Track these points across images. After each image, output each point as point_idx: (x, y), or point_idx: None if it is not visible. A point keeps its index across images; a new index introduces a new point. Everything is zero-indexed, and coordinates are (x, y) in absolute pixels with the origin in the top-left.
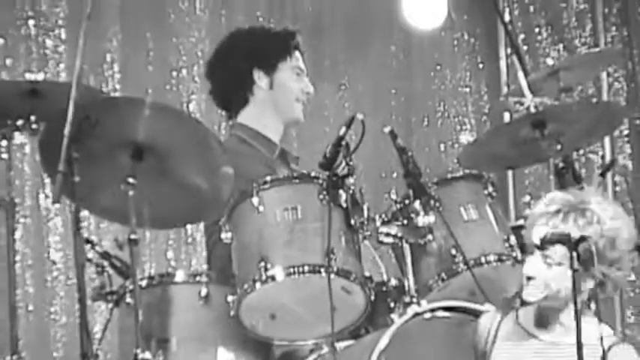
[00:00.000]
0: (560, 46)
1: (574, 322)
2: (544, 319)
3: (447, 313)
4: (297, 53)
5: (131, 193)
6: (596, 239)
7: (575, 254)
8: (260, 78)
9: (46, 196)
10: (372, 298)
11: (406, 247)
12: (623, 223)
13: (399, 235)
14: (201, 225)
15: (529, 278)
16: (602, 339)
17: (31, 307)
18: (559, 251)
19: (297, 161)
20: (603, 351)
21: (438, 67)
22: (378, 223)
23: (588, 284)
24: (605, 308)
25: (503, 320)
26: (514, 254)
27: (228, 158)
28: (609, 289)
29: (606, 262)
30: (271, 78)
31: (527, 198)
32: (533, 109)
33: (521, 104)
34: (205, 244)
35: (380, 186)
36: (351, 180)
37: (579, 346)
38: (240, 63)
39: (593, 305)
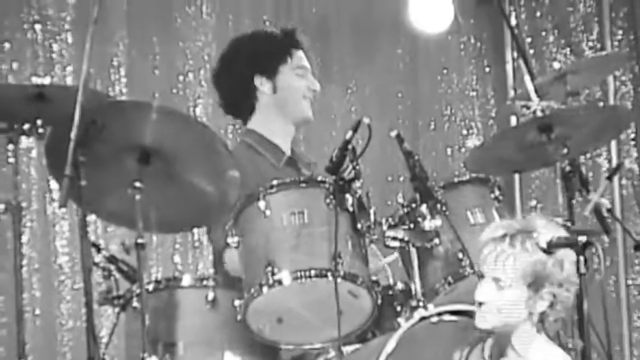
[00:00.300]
0: (567, 49)
1: (525, 346)
2: (500, 346)
3: (453, 317)
4: (298, 52)
5: (138, 197)
6: (544, 260)
7: (582, 259)
8: (262, 84)
9: (53, 200)
10: (379, 301)
11: (413, 250)
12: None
13: (406, 239)
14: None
15: (480, 304)
16: None
17: (37, 312)
18: (509, 273)
19: (310, 167)
20: None
21: (445, 71)
22: (385, 227)
23: (540, 306)
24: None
25: (472, 353)
26: None
27: (234, 163)
28: (559, 309)
29: (556, 282)
30: (274, 82)
31: (533, 202)
32: (539, 113)
33: (528, 108)
34: (212, 248)
35: (386, 190)
36: (357, 184)
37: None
38: (241, 71)
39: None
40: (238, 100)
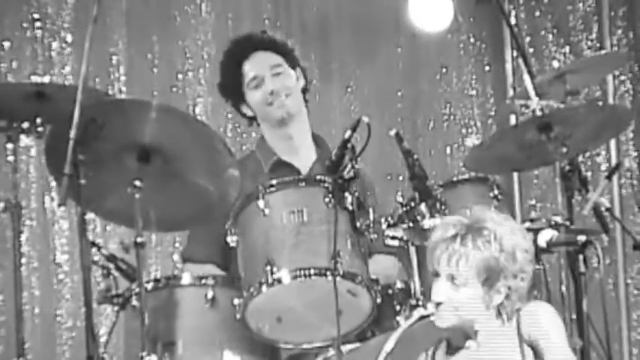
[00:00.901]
0: (567, 48)
1: (486, 333)
2: (460, 338)
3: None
4: (247, 64)
5: (137, 195)
6: (496, 255)
7: (581, 257)
8: (245, 108)
9: (52, 199)
10: (378, 300)
11: (412, 249)
12: (521, 235)
13: (405, 237)
14: None
15: (438, 304)
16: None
17: (37, 310)
18: (463, 272)
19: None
20: None
21: (444, 70)
22: (384, 226)
23: (496, 299)
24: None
25: (437, 352)
26: None
27: (234, 161)
28: (514, 300)
29: (510, 275)
30: (246, 102)
31: (532, 201)
32: (539, 112)
33: (527, 107)
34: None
35: (386, 189)
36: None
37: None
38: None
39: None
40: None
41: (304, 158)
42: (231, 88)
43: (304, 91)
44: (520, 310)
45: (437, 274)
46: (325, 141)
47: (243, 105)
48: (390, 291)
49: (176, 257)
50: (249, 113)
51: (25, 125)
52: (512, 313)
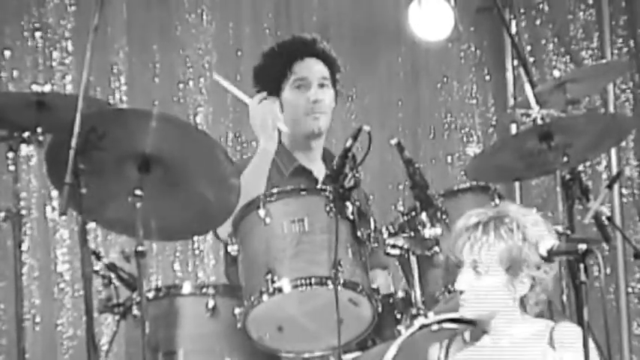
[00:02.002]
0: (567, 58)
1: (508, 324)
2: (480, 329)
3: (453, 325)
4: (300, 63)
5: (138, 205)
6: (519, 245)
7: (582, 266)
8: (273, 102)
9: (53, 208)
10: (379, 309)
11: (413, 258)
12: (545, 228)
13: (406, 246)
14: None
15: (461, 292)
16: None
17: (38, 319)
18: (486, 260)
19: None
20: None
21: (445, 79)
22: (385, 235)
23: (520, 290)
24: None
25: (452, 344)
26: None
27: (234, 170)
28: (538, 291)
29: (533, 265)
30: (280, 100)
31: (533, 210)
32: (539, 121)
33: (528, 116)
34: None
35: (387, 198)
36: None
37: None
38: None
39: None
40: None
41: (317, 169)
42: (272, 79)
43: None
44: (556, 325)
45: (460, 264)
46: (331, 153)
47: (275, 99)
48: (391, 300)
49: (177, 266)
50: (275, 108)
51: (26, 134)
52: (538, 305)
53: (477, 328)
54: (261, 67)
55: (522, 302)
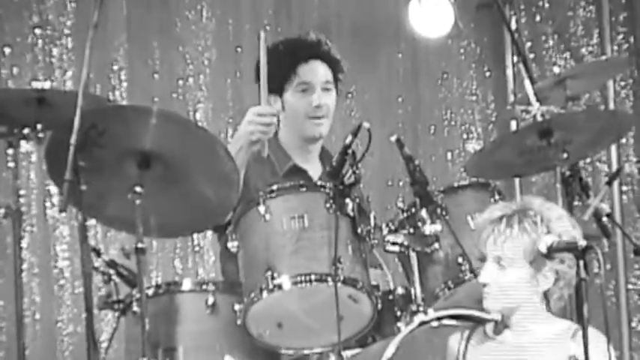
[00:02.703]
0: (567, 54)
1: (531, 320)
2: (503, 323)
3: (453, 322)
4: (305, 66)
5: (138, 201)
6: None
7: (582, 263)
8: (275, 101)
9: (53, 205)
10: (379, 306)
11: (413, 255)
12: (569, 223)
13: (406, 243)
14: (209, 233)
15: (484, 285)
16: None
17: (37, 316)
18: (509, 253)
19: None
20: None
21: (445, 76)
22: (385, 232)
23: (544, 284)
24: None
25: (472, 335)
26: None
27: (235, 167)
28: (562, 286)
29: (557, 259)
30: (282, 100)
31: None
32: (539, 118)
33: (528, 112)
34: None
35: (387, 194)
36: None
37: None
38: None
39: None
40: None
41: (313, 167)
42: (275, 78)
43: None
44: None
45: (484, 258)
46: (329, 153)
47: (277, 98)
48: (391, 297)
49: (177, 263)
50: (277, 107)
51: (26, 131)
52: (561, 300)
53: (501, 321)
54: (270, 65)
55: (545, 297)
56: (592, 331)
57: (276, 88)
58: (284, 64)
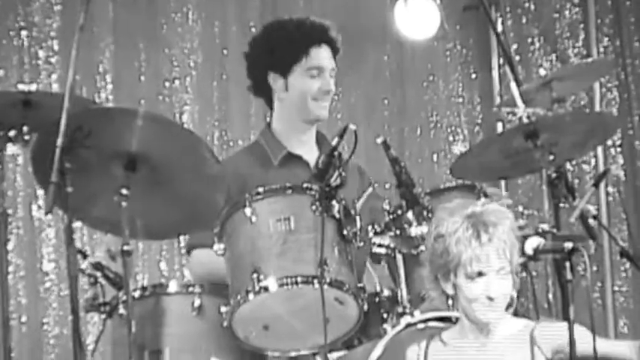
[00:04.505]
0: (553, 56)
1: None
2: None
3: (439, 324)
4: (316, 50)
5: (124, 203)
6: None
7: (568, 264)
8: (275, 81)
9: (39, 207)
10: (365, 308)
11: (399, 257)
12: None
13: (392, 245)
14: None
15: (490, 299)
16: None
17: (24, 319)
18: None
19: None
20: None
21: (431, 78)
22: (371, 234)
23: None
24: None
25: (430, 344)
26: None
27: (221, 169)
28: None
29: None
30: (286, 80)
31: (519, 208)
32: (525, 120)
33: (514, 114)
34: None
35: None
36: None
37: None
38: (256, 67)
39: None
40: (258, 94)
41: (309, 152)
42: (284, 58)
43: None
44: (537, 325)
45: (475, 275)
46: (325, 137)
47: (278, 77)
48: (377, 299)
49: (163, 265)
50: (279, 87)
51: (12, 133)
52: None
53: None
54: (277, 43)
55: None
56: (547, 325)
57: (283, 67)
58: (296, 46)
